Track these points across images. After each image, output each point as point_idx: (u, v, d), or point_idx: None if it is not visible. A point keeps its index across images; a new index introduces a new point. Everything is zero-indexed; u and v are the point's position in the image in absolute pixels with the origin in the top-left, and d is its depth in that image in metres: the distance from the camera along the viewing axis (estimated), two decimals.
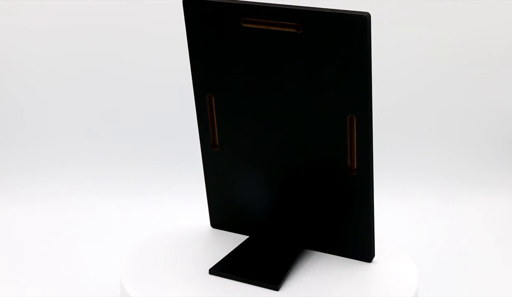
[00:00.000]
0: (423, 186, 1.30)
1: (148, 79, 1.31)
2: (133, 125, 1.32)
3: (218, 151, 0.90)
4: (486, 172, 1.32)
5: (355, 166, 0.82)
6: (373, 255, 0.88)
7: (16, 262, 1.11)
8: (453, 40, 1.30)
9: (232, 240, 0.93)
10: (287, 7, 0.77)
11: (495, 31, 1.30)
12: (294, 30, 0.77)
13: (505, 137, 1.32)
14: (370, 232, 0.86)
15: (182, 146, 1.32)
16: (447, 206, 1.27)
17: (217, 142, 0.90)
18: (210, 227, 0.97)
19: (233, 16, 0.80)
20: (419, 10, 1.29)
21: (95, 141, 1.31)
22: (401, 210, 1.26)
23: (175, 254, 0.91)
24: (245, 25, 0.80)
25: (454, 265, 1.10)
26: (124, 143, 1.32)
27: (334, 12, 0.74)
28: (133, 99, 1.32)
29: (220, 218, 0.96)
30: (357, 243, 0.87)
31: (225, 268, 0.87)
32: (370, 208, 0.84)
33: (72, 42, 1.30)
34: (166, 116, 1.32)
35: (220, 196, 0.94)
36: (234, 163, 0.90)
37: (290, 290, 0.83)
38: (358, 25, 0.73)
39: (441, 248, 1.15)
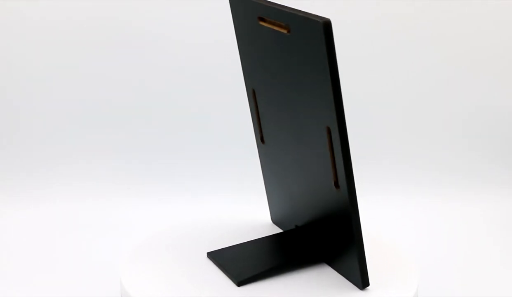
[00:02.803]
0: (424, 185, 1.30)
1: (147, 79, 1.31)
2: (133, 125, 1.32)
3: (265, 145, 0.90)
4: (487, 172, 1.32)
5: (339, 181, 0.78)
6: (367, 284, 0.82)
7: (17, 262, 1.11)
8: (455, 40, 1.30)
9: (236, 240, 0.93)
10: (279, 7, 0.77)
11: (495, 31, 1.31)
12: (285, 31, 0.77)
13: (507, 136, 1.32)
14: (358, 259, 0.80)
15: (182, 146, 1.32)
16: (447, 205, 1.27)
17: (263, 136, 0.90)
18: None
19: (252, 14, 0.81)
20: (420, 9, 1.29)
21: (95, 141, 1.31)
22: (402, 209, 1.26)
23: (175, 254, 0.91)
24: (260, 23, 0.80)
25: (455, 264, 1.10)
26: (124, 143, 1.32)
27: (300, 15, 0.74)
28: (132, 100, 1.32)
29: (275, 214, 0.96)
30: (350, 266, 0.83)
31: (218, 255, 0.88)
32: (352, 230, 0.79)
33: (72, 43, 1.30)
34: (166, 117, 1.32)
35: (271, 191, 0.94)
36: (273, 159, 0.90)
37: (253, 289, 0.83)
38: (317, 30, 0.72)
39: (442, 247, 1.16)
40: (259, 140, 0.91)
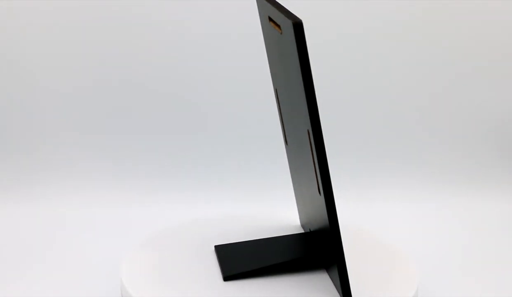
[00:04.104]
0: (423, 186, 1.30)
1: (151, 79, 1.31)
2: (133, 125, 1.32)
3: (287, 146, 0.90)
4: (487, 172, 1.32)
5: (319, 187, 0.77)
6: None
7: (17, 262, 1.11)
8: (456, 41, 1.30)
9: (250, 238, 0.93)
10: (276, 6, 0.77)
11: (496, 31, 1.31)
12: (280, 32, 0.77)
13: (507, 137, 1.32)
14: (338, 271, 0.78)
15: (182, 147, 1.32)
16: (447, 206, 1.27)
17: (286, 137, 0.90)
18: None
19: (265, 13, 0.82)
20: (421, 10, 1.29)
21: (95, 141, 1.31)
22: (402, 210, 1.26)
23: (176, 253, 0.92)
24: (270, 22, 0.81)
25: (454, 265, 1.10)
26: (124, 143, 1.32)
27: (282, 15, 0.73)
28: (135, 98, 1.32)
29: (301, 217, 0.96)
30: (335, 277, 0.82)
31: (222, 250, 0.89)
32: (333, 239, 0.76)
33: (74, 43, 1.30)
34: (166, 117, 1.32)
35: (297, 193, 0.94)
36: (293, 161, 0.90)
37: (238, 285, 0.84)
38: (291, 30, 0.71)
39: (442, 247, 1.16)
40: (284, 141, 0.91)
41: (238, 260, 0.88)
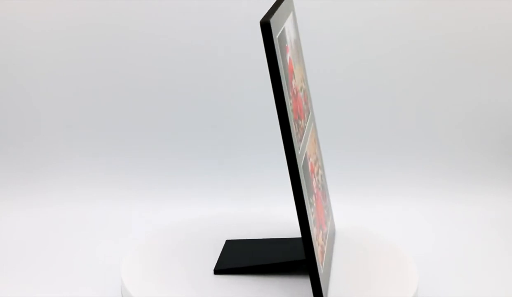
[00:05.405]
0: (423, 185, 1.30)
1: (153, 80, 1.31)
2: (134, 126, 1.32)
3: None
4: (488, 171, 1.32)
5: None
6: None
7: (17, 261, 1.11)
8: (459, 39, 1.30)
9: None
10: (274, 6, 0.77)
11: (496, 28, 1.31)
12: None
13: (507, 136, 1.32)
14: (310, 277, 0.78)
15: (183, 147, 1.32)
16: (447, 205, 1.27)
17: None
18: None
19: None
20: (418, 8, 1.30)
21: (95, 140, 1.31)
22: (402, 209, 1.26)
23: (176, 253, 0.92)
24: None
25: (454, 264, 1.10)
26: (125, 142, 1.32)
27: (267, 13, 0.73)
28: (135, 100, 1.32)
29: None
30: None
31: (230, 245, 0.91)
32: (304, 241, 0.76)
33: (78, 43, 1.30)
34: (170, 115, 1.32)
35: None
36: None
37: (226, 279, 0.85)
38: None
39: (441, 247, 1.16)
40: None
41: (237, 256, 0.88)
